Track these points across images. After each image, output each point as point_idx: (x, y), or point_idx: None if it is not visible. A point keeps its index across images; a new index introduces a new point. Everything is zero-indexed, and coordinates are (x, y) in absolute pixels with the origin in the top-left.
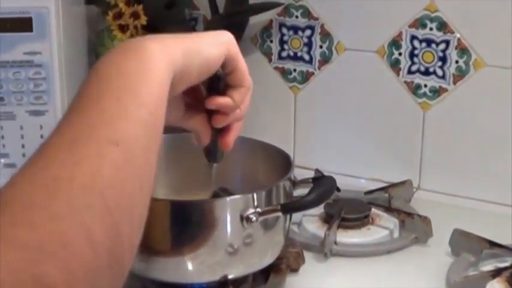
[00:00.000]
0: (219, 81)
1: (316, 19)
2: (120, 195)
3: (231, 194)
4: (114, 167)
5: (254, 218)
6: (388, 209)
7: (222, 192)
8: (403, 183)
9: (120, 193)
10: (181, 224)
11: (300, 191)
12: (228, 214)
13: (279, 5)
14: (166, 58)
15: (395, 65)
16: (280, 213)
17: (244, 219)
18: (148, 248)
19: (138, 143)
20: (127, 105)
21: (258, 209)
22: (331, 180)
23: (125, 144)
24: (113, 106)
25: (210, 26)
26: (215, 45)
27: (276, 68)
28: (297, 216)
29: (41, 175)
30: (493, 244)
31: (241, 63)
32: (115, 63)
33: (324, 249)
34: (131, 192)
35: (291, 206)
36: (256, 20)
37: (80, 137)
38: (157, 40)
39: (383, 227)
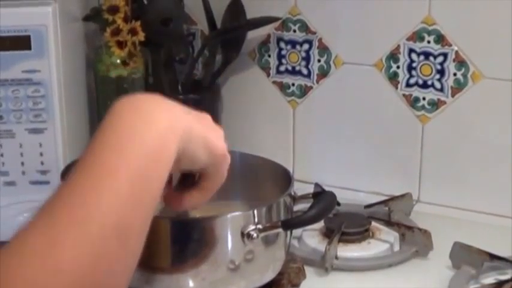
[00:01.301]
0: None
1: (314, 33)
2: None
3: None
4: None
5: (255, 235)
6: (388, 222)
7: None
8: (402, 196)
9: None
10: (182, 241)
11: (301, 206)
12: (228, 231)
13: (276, 19)
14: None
15: (393, 78)
16: (280, 230)
17: (245, 235)
18: (149, 265)
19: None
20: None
21: (259, 226)
22: (332, 195)
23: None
24: (97, 162)
25: (208, 41)
26: (206, 151)
27: (274, 83)
28: (297, 230)
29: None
30: (493, 257)
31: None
32: (125, 121)
33: (324, 264)
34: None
35: (292, 223)
36: (254, 35)
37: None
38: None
39: (383, 240)
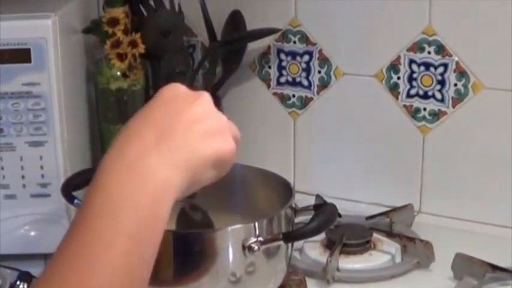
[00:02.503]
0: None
1: (314, 44)
2: None
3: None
4: None
5: (256, 247)
6: (390, 234)
7: (190, 210)
8: (404, 207)
9: None
10: (184, 254)
11: (302, 218)
12: (230, 243)
13: (276, 31)
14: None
15: (394, 89)
16: (282, 242)
17: (246, 248)
18: (150, 278)
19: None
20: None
21: (260, 238)
22: (333, 207)
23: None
24: (90, 234)
25: (208, 52)
26: (215, 168)
27: (274, 94)
28: (298, 242)
29: None
30: (495, 268)
31: None
32: (117, 184)
33: (326, 276)
34: None
35: (293, 235)
36: (254, 46)
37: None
38: (165, 162)
39: (385, 252)
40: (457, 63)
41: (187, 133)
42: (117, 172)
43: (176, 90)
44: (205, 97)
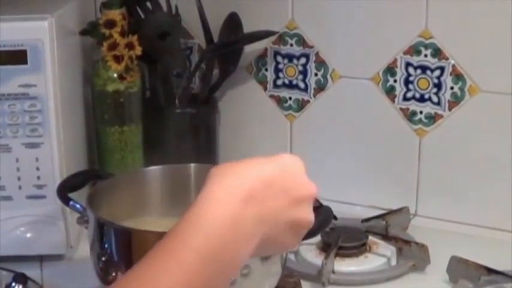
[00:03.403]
0: None
1: (311, 47)
2: None
3: None
4: None
5: None
6: (386, 236)
7: None
8: (400, 210)
9: None
10: None
11: None
12: None
13: (273, 33)
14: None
15: (390, 92)
16: None
17: None
18: None
19: None
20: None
21: None
22: (328, 210)
23: None
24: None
25: (205, 55)
26: (294, 235)
27: (271, 96)
28: None
29: None
30: (490, 271)
31: None
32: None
33: (321, 279)
34: None
35: None
36: (251, 49)
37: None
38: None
39: (380, 254)
40: (453, 66)
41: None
42: (222, 225)
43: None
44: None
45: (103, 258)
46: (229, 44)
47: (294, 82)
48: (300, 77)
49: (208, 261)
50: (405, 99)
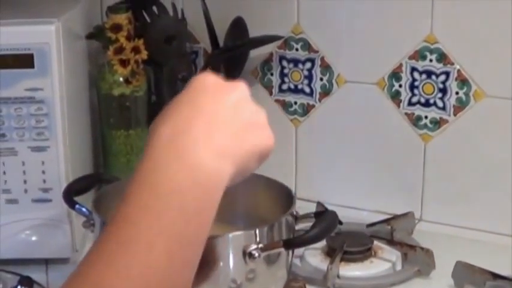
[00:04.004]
0: None
1: (316, 52)
2: None
3: None
4: None
5: (257, 254)
6: (391, 241)
7: None
8: (405, 215)
9: None
10: None
11: (302, 225)
12: (230, 250)
13: (279, 38)
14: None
15: (395, 96)
16: (282, 249)
17: (247, 255)
18: None
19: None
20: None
21: (261, 245)
22: (333, 215)
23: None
24: (132, 231)
25: (210, 59)
26: (259, 161)
27: (276, 101)
28: (299, 249)
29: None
30: (496, 276)
31: None
32: (165, 176)
33: (326, 283)
34: None
35: (294, 242)
36: (257, 53)
37: (102, 260)
38: (215, 153)
39: (385, 259)
40: (458, 71)
41: (234, 122)
42: (166, 162)
43: (212, 78)
44: (243, 86)
45: None
46: (235, 48)
47: (300, 87)
48: (306, 81)
49: (186, 236)
50: (410, 104)
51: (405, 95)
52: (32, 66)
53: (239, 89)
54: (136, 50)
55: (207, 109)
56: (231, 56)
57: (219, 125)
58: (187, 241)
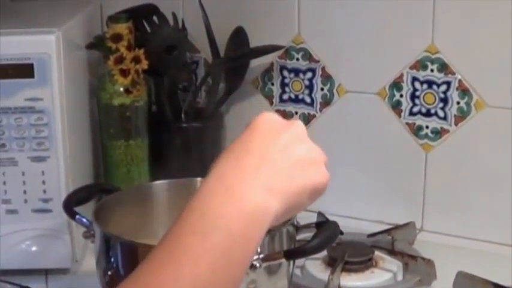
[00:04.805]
0: None
1: (317, 62)
2: None
3: None
4: None
5: (257, 264)
6: (392, 251)
7: None
8: (406, 225)
9: None
10: None
11: (303, 235)
12: None
13: (279, 48)
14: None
15: (396, 106)
16: (283, 260)
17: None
18: None
19: None
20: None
21: (261, 255)
22: (334, 225)
23: None
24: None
25: (211, 69)
26: (311, 198)
27: (277, 111)
28: (300, 259)
29: None
30: (497, 286)
31: None
32: (213, 204)
33: None
34: None
35: (294, 252)
36: (257, 63)
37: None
38: (264, 188)
39: (386, 270)
40: (459, 81)
41: (285, 161)
42: (215, 193)
43: (269, 118)
44: (300, 125)
45: (109, 273)
46: (236, 58)
47: (300, 96)
48: (306, 91)
49: (222, 265)
50: (411, 114)
51: (406, 104)
52: (32, 76)
53: (292, 128)
54: (136, 60)
55: (257, 149)
56: (232, 65)
57: (267, 164)
58: (232, 260)
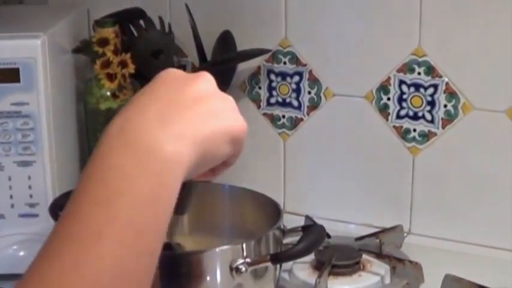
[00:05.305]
0: None
1: (304, 65)
2: None
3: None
4: None
5: (244, 269)
6: (379, 255)
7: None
8: (393, 228)
9: None
10: (170, 276)
11: (290, 239)
12: (217, 265)
13: (266, 51)
14: (180, 164)
15: (383, 110)
16: (269, 263)
17: (234, 269)
18: None
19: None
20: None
21: (248, 259)
22: (321, 228)
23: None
24: (81, 224)
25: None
26: (228, 143)
27: (264, 115)
28: (287, 263)
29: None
30: None
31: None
32: (113, 165)
33: None
34: None
35: (281, 256)
36: (244, 67)
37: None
38: (171, 135)
39: (374, 273)
40: (446, 84)
41: (194, 108)
42: (115, 152)
43: (175, 71)
44: (208, 76)
45: None
46: (223, 62)
47: (288, 100)
48: (294, 95)
49: (132, 235)
50: (399, 117)
51: (393, 108)
52: (18, 80)
53: (202, 79)
54: (123, 64)
55: (164, 97)
56: (219, 69)
57: (175, 110)
58: (142, 229)
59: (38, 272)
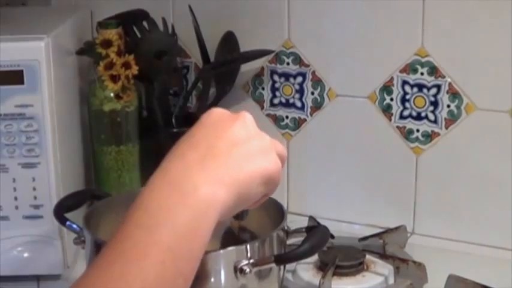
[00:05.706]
0: None
1: (308, 66)
2: None
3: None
4: None
5: (248, 270)
6: (383, 255)
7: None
8: (397, 228)
9: None
10: None
11: (294, 240)
12: (221, 266)
13: (270, 52)
14: (216, 206)
15: (387, 110)
16: (274, 265)
17: (238, 270)
18: None
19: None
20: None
21: (252, 260)
22: (325, 229)
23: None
24: (127, 244)
25: (201, 74)
26: (263, 184)
27: (268, 115)
28: (291, 264)
29: None
30: None
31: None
32: (157, 198)
33: None
34: None
35: (285, 257)
36: (248, 68)
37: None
38: (209, 179)
39: (378, 273)
40: (449, 84)
41: (230, 153)
42: (159, 188)
43: (215, 113)
44: (246, 117)
45: None
46: (226, 63)
47: (291, 101)
48: (297, 95)
49: (171, 260)
50: (402, 117)
51: (396, 108)
52: (22, 82)
53: (239, 119)
54: (126, 66)
55: (201, 143)
56: (222, 70)
57: (212, 156)
58: (179, 254)
59: (87, 281)
